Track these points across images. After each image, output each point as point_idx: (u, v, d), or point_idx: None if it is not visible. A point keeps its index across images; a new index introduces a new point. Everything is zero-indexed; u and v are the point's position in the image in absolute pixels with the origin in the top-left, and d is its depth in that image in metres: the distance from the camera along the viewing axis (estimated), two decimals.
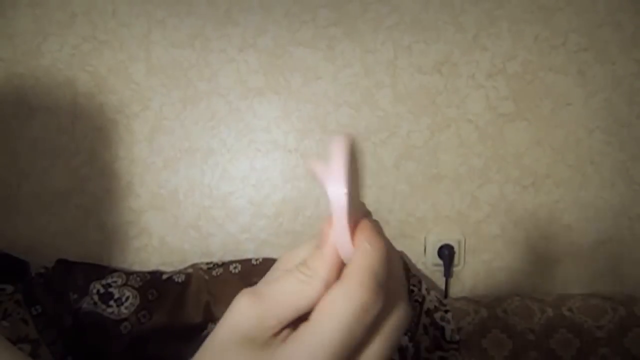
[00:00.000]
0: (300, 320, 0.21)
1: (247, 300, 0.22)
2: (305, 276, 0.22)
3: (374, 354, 0.20)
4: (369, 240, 0.21)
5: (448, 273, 0.99)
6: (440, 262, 0.99)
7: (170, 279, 0.89)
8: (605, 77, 0.98)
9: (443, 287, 1.00)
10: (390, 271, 0.21)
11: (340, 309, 0.20)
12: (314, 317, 0.20)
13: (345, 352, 0.20)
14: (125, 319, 0.87)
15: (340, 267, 0.22)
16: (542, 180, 1.00)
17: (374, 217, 0.26)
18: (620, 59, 0.97)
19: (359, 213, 0.22)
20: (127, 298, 0.89)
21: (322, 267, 0.22)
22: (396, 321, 0.21)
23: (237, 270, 0.90)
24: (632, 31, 0.97)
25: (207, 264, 0.93)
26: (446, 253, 0.99)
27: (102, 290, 0.89)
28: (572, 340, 0.86)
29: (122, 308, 0.88)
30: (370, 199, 1.00)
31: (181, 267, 0.96)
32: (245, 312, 0.21)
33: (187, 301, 0.85)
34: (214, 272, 0.90)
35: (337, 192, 0.20)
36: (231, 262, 0.92)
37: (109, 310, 0.87)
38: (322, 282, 0.21)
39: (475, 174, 1.00)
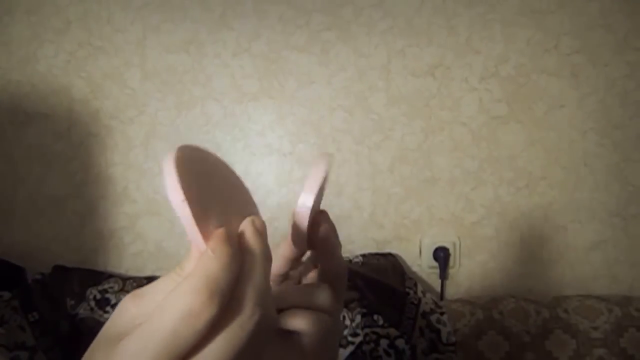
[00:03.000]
0: None
1: (128, 301, 0.23)
2: (177, 276, 0.23)
3: (209, 356, 0.21)
4: (213, 248, 0.22)
5: (443, 275, 1.00)
6: (436, 264, 1.00)
7: None
8: (598, 79, 0.98)
9: (439, 289, 1.01)
10: (235, 279, 0.22)
11: (168, 313, 0.21)
12: (149, 317, 0.21)
13: (170, 354, 0.20)
14: None
15: None
16: (536, 182, 1.00)
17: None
18: (612, 61, 0.98)
19: (229, 218, 0.24)
20: None
21: (190, 267, 0.23)
22: (237, 326, 0.22)
23: None
24: (624, 33, 0.97)
25: None
26: (441, 255, 0.99)
27: (98, 296, 0.89)
28: (568, 342, 0.87)
29: None
30: (365, 202, 1.01)
31: None
32: (123, 311, 0.23)
33: None
34: None
35: (177, 204, 0.22)
36: None
37: (106, 316, 0.88)
38: None
39: (470, 176, 1.00)
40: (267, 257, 0.25)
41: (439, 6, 0.99)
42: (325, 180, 0.30)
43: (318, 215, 0.31)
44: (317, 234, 0.31)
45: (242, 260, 0.23)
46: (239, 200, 0.28)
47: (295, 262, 0.33)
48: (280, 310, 0.29)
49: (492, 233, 1.01)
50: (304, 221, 0.29)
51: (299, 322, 0.29)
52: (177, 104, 1.00)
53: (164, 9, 1.00)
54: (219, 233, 0.23)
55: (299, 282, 0.34)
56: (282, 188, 1.01)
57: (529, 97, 0.99)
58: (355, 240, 1.01)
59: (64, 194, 1.01)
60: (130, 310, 0.23)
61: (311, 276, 0.34)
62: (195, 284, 0.21)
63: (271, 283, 0.32)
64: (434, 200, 1.01)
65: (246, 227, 0.25)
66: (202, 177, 0.24)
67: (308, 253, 0.34)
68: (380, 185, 1.01)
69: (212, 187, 0.25)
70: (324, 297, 0.31)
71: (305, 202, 0.29)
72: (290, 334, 0.29)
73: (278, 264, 0.32)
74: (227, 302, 0.22)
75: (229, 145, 1.01)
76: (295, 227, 0.30)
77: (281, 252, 0.32)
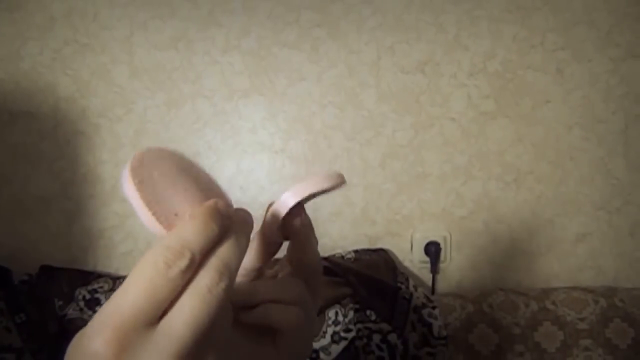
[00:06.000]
0: None
1: None
2: None
3: (184, 305, 0.22)
4: (193, 215, 0.24)
5: (435, 269, 1.00)
6: (427, 259, 1.01)
7: None
8: (583, 75, 1.00)
9: (430, 283, 1.02)
10: (209, 244, 0.24)
11: (142, 265, 0.22)
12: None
13: (148, 301, 0.22)
14: None
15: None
16: (523, 177, 1.02)
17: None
18: (596, 57, 1.00)
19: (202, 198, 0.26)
20: None
21: None
22: (207, 279, 0.23)
23: None
24: (607, 30, 1.00)
25: None
26: (432, 250, 1.00)
27: (88, 296, 0.88)
28: (556, 333, 0.88)
29: None
30: (356, 198, 1.01)
31: None
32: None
33: None
34: None
35: (126, 191, 0.24)
36: None
37: None
38: None
39: (459, 171, 1.02)
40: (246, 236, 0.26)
41: (427, 3, 0.99)
42: (319, 194, 0.30)
43: (295, 208, 0.31)
44: (291, 224, 0.31)
45: (219, 231, 0.24)
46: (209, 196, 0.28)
47: (268, 255, 0.33)
48: (254, 307, 0.29)
49: (482, 227, 1.02)
50: (280, 212, 0.30)
51: (271, 316, 0.29)
52: (166, 102, 0.99)
53: (151, 6, 0.99)
54: (202, 209, 0.24)
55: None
56: (273, 185, 1.01)
57: (516, 93, 1.01)
58: (347, 236, 1.01)
59: (50, 193, 0.99)
60: None
61: (287, 273, 0.34)
62: (167, 241, 0.23)
63: (245, 278, 0.32)
64: (424, 196, 1.02)
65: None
66: (161, 177, 0.26)
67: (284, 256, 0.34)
68: (372, 181, 1.01)
69: (176, 184, 0.26)
70: (296, 290, 0.30)
71: (287, 201, 0.29)
72: (263, 329, 0.29)
73: (251, 257, 0.32)
74: (197, 262, 0.23)
75: (220, 143, 1.00)
76: (271, 218, 0.30)
77: (254, 245, 0.32)
